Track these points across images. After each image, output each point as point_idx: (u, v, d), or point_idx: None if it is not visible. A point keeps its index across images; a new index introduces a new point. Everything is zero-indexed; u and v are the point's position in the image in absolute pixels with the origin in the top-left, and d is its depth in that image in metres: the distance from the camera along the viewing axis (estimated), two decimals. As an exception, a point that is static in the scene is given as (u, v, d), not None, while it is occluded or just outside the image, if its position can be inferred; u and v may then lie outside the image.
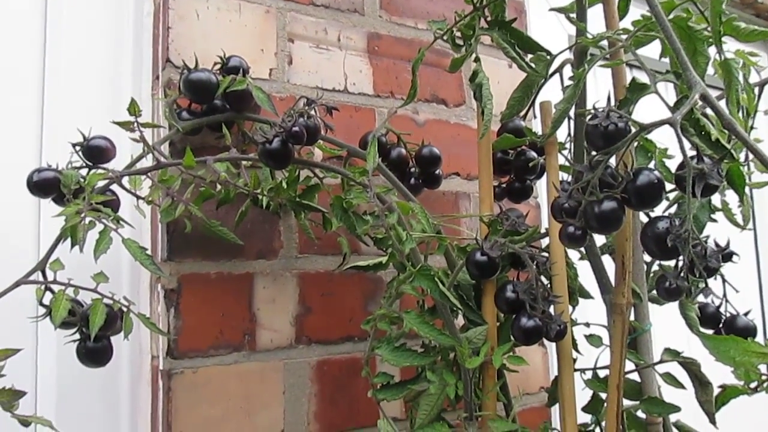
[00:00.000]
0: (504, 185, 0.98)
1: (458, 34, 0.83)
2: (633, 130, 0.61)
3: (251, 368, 0.89)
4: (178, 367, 0.83)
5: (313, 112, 0.74)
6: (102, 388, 0.88)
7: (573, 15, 0.79)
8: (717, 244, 0.63)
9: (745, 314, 0.88)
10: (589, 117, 0.63)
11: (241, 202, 0.85)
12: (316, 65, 1.01)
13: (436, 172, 0.99)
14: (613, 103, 0.75)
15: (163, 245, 0.85)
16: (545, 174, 0.97)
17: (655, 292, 0.61)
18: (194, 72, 0.81)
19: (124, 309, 0.68)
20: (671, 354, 0.74)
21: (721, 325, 0.88)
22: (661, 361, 0.75)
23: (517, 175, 0.96)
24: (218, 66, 0.85)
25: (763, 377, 0.65)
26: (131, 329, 0.67)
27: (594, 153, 0.65)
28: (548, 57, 0.74)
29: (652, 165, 0.83)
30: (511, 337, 0.74)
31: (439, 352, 0.75)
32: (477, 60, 0.74)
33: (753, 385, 0.67)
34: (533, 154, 0.94)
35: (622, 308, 0.72)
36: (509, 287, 0.70)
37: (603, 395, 0.77)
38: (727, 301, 0.84)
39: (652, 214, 0.68)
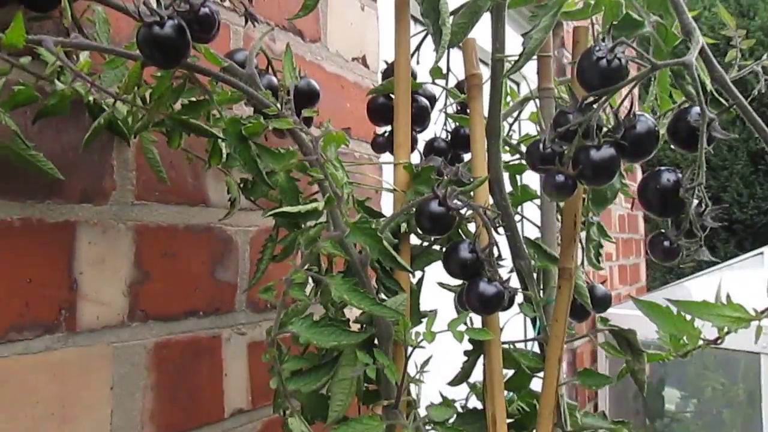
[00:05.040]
0: (386, 135, 0.85)
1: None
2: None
3: (69, 357, 0.62)
4: (-43, 361, 0.54)
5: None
6: None
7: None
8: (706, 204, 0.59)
9: (602, 283, 0.90)
10: (585, 51, 0.54)
11: (74, 116, 0.59)
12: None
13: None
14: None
15: (-63, 171, 0.54)
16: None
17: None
18: None
19: None
20: (604, 322, 0.71)
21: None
22: (596, 330, 0.71)
23: (403, 125, 0.84)
24: None
25: (701, 343, 0.64)
26: None
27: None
28: (499, -18, 0.64)
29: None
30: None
31: (363, 326, 0.60)
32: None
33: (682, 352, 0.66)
34: (424, 101, 0.83)
35: (570, 272, 0.65)
36: (464, 246, 0.58)
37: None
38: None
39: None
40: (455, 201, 0.57)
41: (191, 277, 0.76)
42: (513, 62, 0.59)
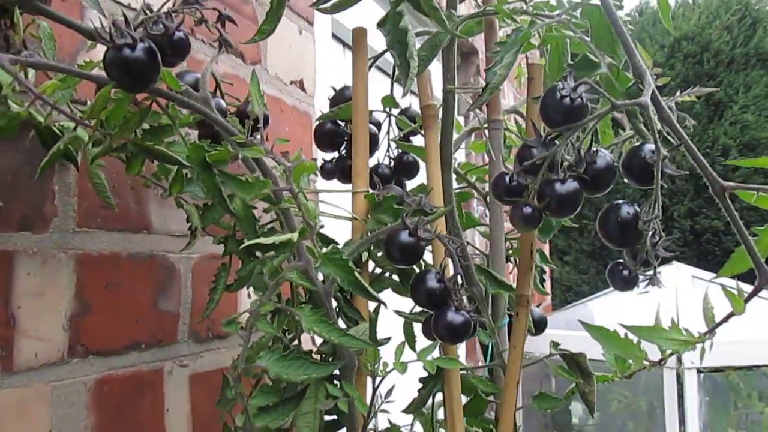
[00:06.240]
0: (334, 161, 0.85)
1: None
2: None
3: (5, 400, 0.57)
4: None
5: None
6: None
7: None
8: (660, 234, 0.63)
9: (537, 306, 0.93)
10: (550, 89, 0.56)
11: (13, 138, 0.54)
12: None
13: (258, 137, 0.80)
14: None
15: None
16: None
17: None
18: None
19: None
20: (555, 346, 0.73)
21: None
22: (550, 355, 0.73)
23: (350, 152, 0.84)
24: None
25: (645, 363, 0.68)
26: None
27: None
28: (458, 18, 0.65)
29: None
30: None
31: (332, 358, 0.59)
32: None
33: (627, 373, 0.69)
34: (373, 128, 0.84)
35: (527, 300, 0.67)
36: (432, 276, 0.58)
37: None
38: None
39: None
40: (426, 232, 0.58)
41: (134, 308, 0.72)
42: (477, 96, 0.60)
